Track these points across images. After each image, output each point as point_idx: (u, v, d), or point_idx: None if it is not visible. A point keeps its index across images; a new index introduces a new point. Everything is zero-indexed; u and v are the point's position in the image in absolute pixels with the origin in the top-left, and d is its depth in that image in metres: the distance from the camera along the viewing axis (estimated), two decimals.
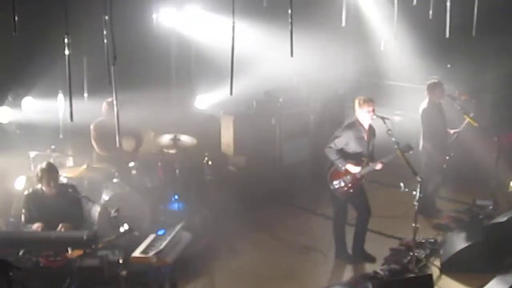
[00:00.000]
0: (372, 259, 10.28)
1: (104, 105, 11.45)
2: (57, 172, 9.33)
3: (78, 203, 9.36)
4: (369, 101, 9.93)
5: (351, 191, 10.02)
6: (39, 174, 9.18)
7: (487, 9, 11.61)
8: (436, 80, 11.51)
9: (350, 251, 10.36)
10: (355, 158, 9.96)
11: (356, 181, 10.00)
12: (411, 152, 9.92)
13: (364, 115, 9.94)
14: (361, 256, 10.33)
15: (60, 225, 8.87)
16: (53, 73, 11.36)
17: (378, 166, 9.99)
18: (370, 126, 10.07)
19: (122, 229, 8.37)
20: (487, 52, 13.17)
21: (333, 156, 9.93)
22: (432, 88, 11.48)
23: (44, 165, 9.39)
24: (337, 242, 10.40)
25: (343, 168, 9.91)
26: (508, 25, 13.26)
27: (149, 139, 12.86)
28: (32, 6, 11.22)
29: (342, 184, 9.98)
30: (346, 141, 9.93)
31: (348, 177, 9.96)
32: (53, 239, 8.41)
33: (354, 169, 9.91)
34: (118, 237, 8.39)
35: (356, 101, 10.04)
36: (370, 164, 9.97)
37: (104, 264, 8.69)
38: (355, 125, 10.00)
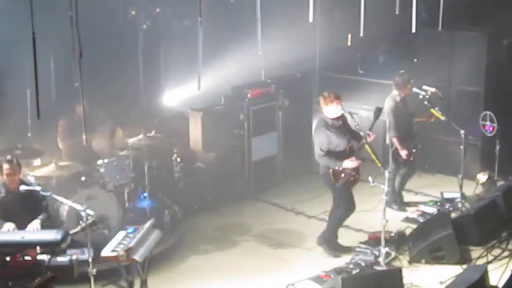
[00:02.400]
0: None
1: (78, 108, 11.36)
2: (19, 166, 9.29)
3: (43, 200, 9.33)
4: (336, 98, 9.96)
5: (357, 177, 10.09)
6: (1, 169, 9.17)
7: (453, 4, 11.72)
8: (403, 75, 11.58)
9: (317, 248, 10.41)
10: (344, 150, 10.00)
11: (358, 167, 10.05)
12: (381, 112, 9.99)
13: (331, 111, 9.97)
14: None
15: (34, 223, 8.87)
16: (20, 70, 11.27)
17: (370, 138, 9.99)
18: (342, 114, 10.07)
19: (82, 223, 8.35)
20: (453, 46, 13.25)
21: (327, 162, 9.94)
22: (400, 82, 11.56)
23: (5, 159, 9.36)
24: (332, 231, 10.46)
25: (341, 168, 9.95)
26: (473, 19, 13.36)
27: (117, 137, 12.79)
28: None
29: (347, 177, 10.02)
30: (327, 139, 9.92)
31: (353, 158, 10.00)
32: (25, 240, 8.36)
33: (351, 164, 9.94)
34: (83, 228, 8.34)
35: (321, 99, 10.07)
36: (362, 141, 10.01)
37: (73, 263, 8.62)
38: (326, 121, 10.00)
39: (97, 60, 11.97)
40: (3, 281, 8.03)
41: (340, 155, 9.94)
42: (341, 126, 10.04)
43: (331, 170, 9.98)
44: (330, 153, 9.93)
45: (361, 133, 9.91)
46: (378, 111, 10.11)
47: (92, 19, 10.00)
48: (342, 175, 9.98)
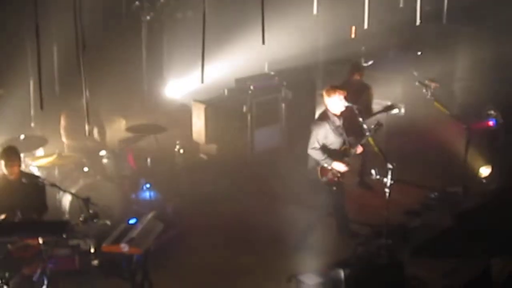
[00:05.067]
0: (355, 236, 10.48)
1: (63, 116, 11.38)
2: (18, 154, 9.27)
3: (42, 190, 9.33)
4: (338, 90, 9.96)
5: (341, 179, 10.12)
6: (0, 157, 9.15)
7: None
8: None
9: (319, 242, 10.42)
10: (335, 150, 10.00)
11: (346, 170, 10.07)
12: (395, 111, 9.93)
13: (335, 104, 9.95)
14: (349, 234, 10.56)
15: None
16: (23, 61, 11.27)
17: (359, 150, 10.11)
18: (342, 113, 10.09)
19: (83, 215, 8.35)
20: (457, 40, 13.23)
21: (319, 156, 9.94)
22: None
23: (4, 147, 9.37)
24: (339, 222, 10.51)
25: (329, 167, 9.96)
26: (478, 13, 13.34)
27: (120, 127, 12.80)
28: None
29: (332, 176, 10.04)
30: (324, 134, 9.94)
31: (345, 159, 10.02)
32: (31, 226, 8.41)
33: (340, 167, 9.96)
34: (85, 220, 8.35)
35: (324, 92, 10.06)
36: (352, 150, 10.05)
37: (75, 254, 8.64)
38: (328, 116, 10.01)
39: (100, 51, 11.98)
40: (4, 270, 8.04)
41: (333, 154, 9.96)
42: (340, 126, 10.03)
43: (319, 166, 10.00)
44: (324, 149, 9.95)
45: (365, 126, 9.88)
46: (379, 125, 10.05)
47: (96, 10, 10.01)
48: (329, 174, 10.01)
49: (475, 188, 11.83)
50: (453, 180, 11.97)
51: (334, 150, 9.99)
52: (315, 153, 9.96)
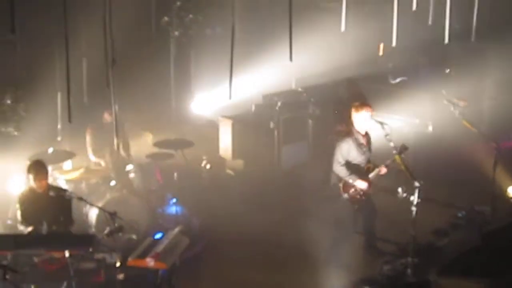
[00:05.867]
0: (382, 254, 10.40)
1: (106, 115, 11.40)
2: (46, 168, 9.35)
3: (69, 204, 9.38)
4: (367, 105, 9.95)
5: (364, 198, 10.04)
6: (28, 171, 9.23)
7: (487, 15, 11.64)
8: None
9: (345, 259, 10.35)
10: (358, 166, 9.96)
11: (368, 190, 10.01)
12: (407, 151, 9.86)
13: (362, 121, 9.92)
14: (376, 252, 10.46)
15: None
16: (52, 75, 11.36)
17: (383, 171, 10.00)
18: (367, 132, 10.07)
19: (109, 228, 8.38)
20: (486, 58, 13.17)
21: (343, 173, 9.89)
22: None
23: (32, 161, 9.44)
24: (335, 249, 10.40)
25: (353, 183, 9.91)
26: (507, 31, 13.27)
27: (147, 142, 12.85)
28: (32, 7, 11.23)
29: (354, 193, 9.99)
30: (348, 150, 9.90)
31: (367, 179, 9.97)
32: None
33: (362, 185, 9.91)
34: (110, 233, 8.37)
35: (353, 108, 10.01)
36: (376, 169, 9.99)
37: (101, 267, 8.65)
38: (353, 132, 9.99)
39: (129, 66, 12.05)
40: (30, 283, 8.07)
41: (357, 170, 9.92)
42: (364, 144, 10.00)
43: (341, 183, 9.96)
44: (348, 165, 9.90)
45: (392, 144, 9.83)
46: (404, 149, 9.95)
47: (125, 25, 10.06)
48: (352, 190, 9.96)
49: (503, 207, 11.71)
50: (481, 199, 11.86)
51: (358, 167, 9.96)
52: (340, 169, 9.91)
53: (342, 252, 10.36)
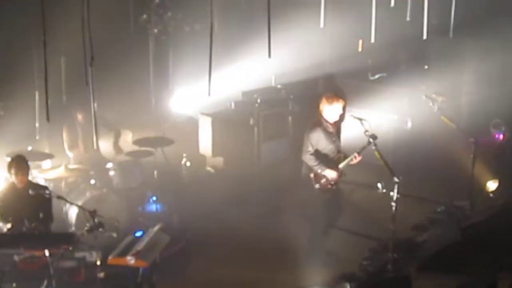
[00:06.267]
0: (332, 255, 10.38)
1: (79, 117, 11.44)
2: (27, 163, 9.33)
3: (49, 202, 9.37)
4: (339, 98, 10.02)
5: (334, 188, 10.08)
6: (9, 167, 9.21)
7: (464, 11, 11.68)
8: None
9: (325, 254, 10.38)
10: (328, 156, 10.02)
11: (338, 177, 10.04)
12: (373, 142, 9.89)
13: (333, 112, 9.96)
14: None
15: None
16: (30, 73, 11.30)
17: (357, 159, 10.01)
18: (336, 122, 10.10)
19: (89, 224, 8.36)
20: (464, 54, 13.24)
21: (312, 162, 9.93)
22: None
23: (14, 156, 9.42)
24: (312, 243, 10.44)
25: (322, 173, 9.94)
26: (484, 27, 13.34)
27: (127, 140, 12.81)
28: (8, 4, 11.17)
29: (326, 183, 10.03)
30: (317, 139, 9.96)
31: (337, 168, 10.01)
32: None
33: (331, 174, 9.95)
34: (90, 229, 8.35)
35: (325, 99, 10.02)
36: (348, 158, 10.02)
37: (81, 266, 8.63)
38: (322, 122, 10.02)
39: (108, 64, 12.00)
40: (11, 282, 8.04)
41: (327, 160, 9.98)
42: (333, 133, 10.05)
43: (312, 174, 10.00)
44: (318, 154, 9.96)
45: (371, 140, 9.85)
46: (374, 138, 9.95)
47: (104, 22, 10.02)
48: (323, 180, 10.00)
49: (482, 202, 11.79)
50: (460, 194, 11.93)
51: (328, 157, 10.01)
52: (309, 158, 9.96)
53: (321, 248, 10.40)
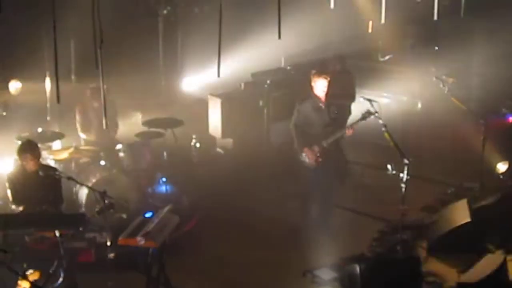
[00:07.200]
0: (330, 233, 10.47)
1: (88, 92, 11.43)
2: (36, 148, 9.35)
3: (58, 183, 9.40)
4: (323, 74, 10.31)
5: (320, 159, 10.22)
6: (19, 152, 9.23)
7: None
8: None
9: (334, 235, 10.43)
10: (318, 130, 10.24)
11: (323, 150, 10.20)
12: (372, 116, 9.98)
13: (319, 88, 10.26)
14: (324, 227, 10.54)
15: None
16: (40, 55, 11.31)
17: (350, 132, 10.24)
18: (327, 95, 10.31)
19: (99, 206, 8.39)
20: (475, 34, 13.16)
21: (293, 133, 10.38)
22: None
23: (23, 141, 9.45)
24: (306, 214, 10.65)
25: (301, 155, 10.26)
26: (495, 7, 13.26)
27: (136, 121, 12.83)
28: None
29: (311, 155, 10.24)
30: (304, 111, 10.30)
31: (315, 147, 10.18)
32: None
33: (310, 154, 10.17)
34: (101, 210, 8.38)
35: (311, 75, 10.39)
36: (337, 132, 10.23)
37: (91, 247, 8.68)
38: (311, 96, 10.34)
39: (117, 46, 12.01)
40: (21, 262, 8.08)
41: (309, 139, 10.23)
42: (322, 107, 10.29)
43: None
44: (302, 132, 10.30)
45: (380, 121, 9.85)
46: (368, 114, 10.09)
47: (113, 4, 10.01)
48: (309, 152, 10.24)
49: (492, 184, 11.77)
50: (470, 175, 11.92)
51: (311, 136, 10.25)
52: (292, 129, 10.40)
53: (332, 229, 10.42)
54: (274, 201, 11.86)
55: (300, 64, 13.82)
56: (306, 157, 10.23)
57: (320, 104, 10.28)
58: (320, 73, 10.39)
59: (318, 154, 10.18)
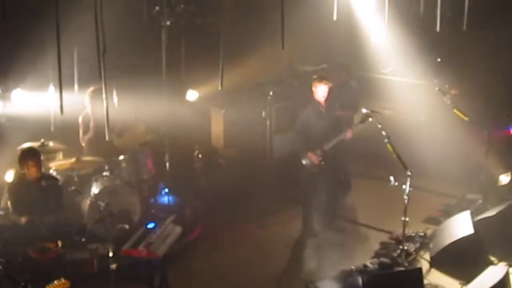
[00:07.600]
0: (341, 231, 10.82)
1: (89, 92, 11.45)
2: (38, 156, 9.35)
3: (60, 192, 9.41)
4: (324, 80, 10.53)
5: (323, 163, 10.48)
6: (21, 160, 9.23)
7: (478, 3, 11.62)
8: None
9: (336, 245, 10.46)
10: (319, 134, 10.49)
11: (325, 154, 10.45)
12: (370, 119, 10.10)
13: (320, 93, 10.51)
14: (331, 228, 10.84)
15: None
16: (43, 64, 11.31)
17: (349, 134, 10.64)
18: (327, 101, 10.57)
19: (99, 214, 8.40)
20: (477, 46, 13.17)
21: (296, 139, 10.69)
22: None
23: (24, 148, 9.45)
24: (305, 222, 10.86)
25: (304, 161, 10.55)
26: (498, 19, 13.26)
27: (139, 132, 12.82)
28: None
29: (314, 158, 10.50)
30: (306, 116, 10.56)
31: (318, 151, 10.46)
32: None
33: (313, 158, 10.47)
34: (100, 219, 8.38)
35: (313, 81, 10.65)
36: (338, 135, 10.55)
37: (94, 257, 8.67)
38: (312, 101, 10.61)
39: (120, 55, 12.00)
40: (23, 273, 8.08)
41: (311, 143, 10.48)
42: (323, 112, 10.58)
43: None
44: (305, 137, 10.54)
45: (383, 133, 9.86)
46: (366, 116, 10.32)
47: (116, 14, 10.03)
48: (311, 156, 10.50)
49: (495, 196, 11.75)
50: (473, 187, 11.90)
51: (313, 141, 10.50)
52: (296, 137, 10.68)
53: (334, 240, 10.42)
54: (277, 212, 11.85)
55: (303, 75, 13.81)
56: (309, 160, 10.44)
57: (321, 109, 10.55)
58: (321, 78, 10.60)
59: (320, 158, 10.40)
